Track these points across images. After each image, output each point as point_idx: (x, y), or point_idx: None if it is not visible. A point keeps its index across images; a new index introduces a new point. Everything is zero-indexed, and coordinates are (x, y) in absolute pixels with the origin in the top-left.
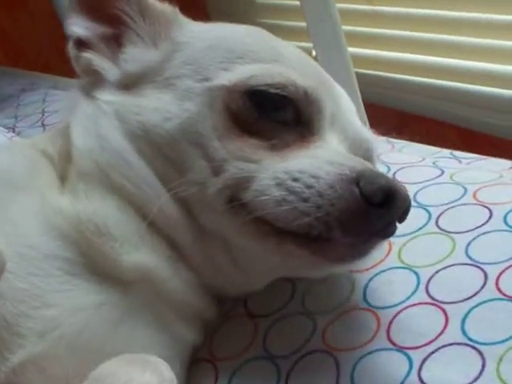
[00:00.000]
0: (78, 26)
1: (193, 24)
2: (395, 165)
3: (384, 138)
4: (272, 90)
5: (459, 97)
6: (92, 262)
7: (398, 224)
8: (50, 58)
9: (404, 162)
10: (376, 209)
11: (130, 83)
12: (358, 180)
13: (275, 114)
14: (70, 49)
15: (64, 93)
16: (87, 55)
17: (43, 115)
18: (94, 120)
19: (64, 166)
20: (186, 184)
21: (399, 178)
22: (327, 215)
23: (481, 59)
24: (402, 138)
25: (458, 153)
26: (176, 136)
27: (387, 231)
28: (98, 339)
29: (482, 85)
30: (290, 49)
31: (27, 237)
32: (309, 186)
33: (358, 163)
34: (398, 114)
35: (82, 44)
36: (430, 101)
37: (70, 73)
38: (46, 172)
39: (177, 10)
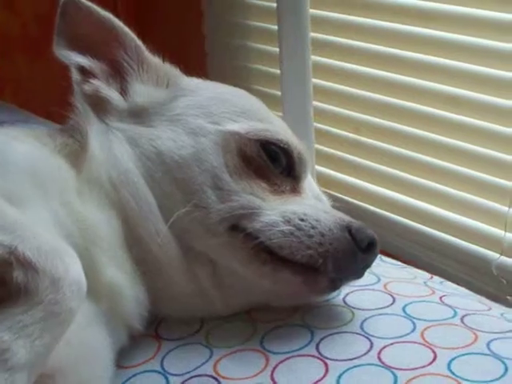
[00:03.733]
0: (79, 58)
1: (192, 78)
2: None
3: None
4: (281, 145)
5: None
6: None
7: None
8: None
9: None
10: (361, 253)
11: (138, 114)
12: (350, 228)
13: (278, 164)
14: (74, 74)
15: None
16: (96, 82)
17: None
18: (108, 139)
19: (74, 164)
20: (191, 207)
21: None
22: (326, 251)
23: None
24: None
25: (386, 258)
26: (189, 161)
27: (362, 273)
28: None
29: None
30: (274, 115)
31: None
32: (313, 227)
33: (343, 215)
34: None
35: (84, 72)
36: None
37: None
38: (66, 170)
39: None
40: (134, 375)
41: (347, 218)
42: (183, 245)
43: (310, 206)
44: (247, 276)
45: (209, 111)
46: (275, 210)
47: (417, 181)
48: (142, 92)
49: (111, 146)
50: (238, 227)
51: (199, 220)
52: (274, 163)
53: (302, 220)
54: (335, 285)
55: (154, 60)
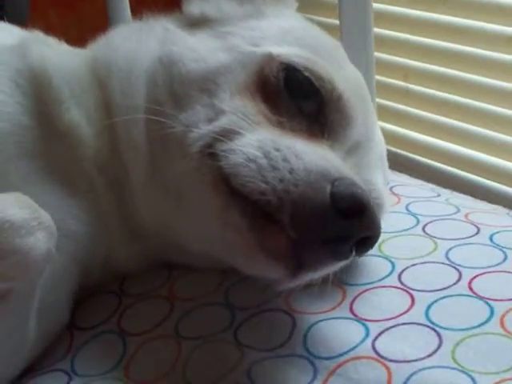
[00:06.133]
0: None
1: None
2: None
3: None
4: (306, 73)
5: None
6: (37, 108)
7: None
8: None
9: (402, 181)
10: (336, 215)
11: (199, 22)
12: (336, 181)
13: (298, 98)
14: None
15: None
16: None
17: None
18: (147, 32)
19: None
20: (177, 121)
21: (396, 190)
22: (285, 192)
23: None
24: None
25: (458, 194)
26: (192, 78)
27: (337, 248)
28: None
29: None
30: (352, 70)
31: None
32: (285, 160)
33: (352, 174)
34: None
35: None
36: None
37: None
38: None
39: None
40: (92, 338)
41: (350, 176)
42: (156, 164)
43: (309, 147)
44: (201, 215)
45: (259, 35)
46: (256, 136)
47: (470, 129)
48: (222, 4)
49: (144, 37)
50: (210, 147)
51: (178, 138)
52: (293, 94)
53: (278, 150)
54: (298, 256)
55: None
